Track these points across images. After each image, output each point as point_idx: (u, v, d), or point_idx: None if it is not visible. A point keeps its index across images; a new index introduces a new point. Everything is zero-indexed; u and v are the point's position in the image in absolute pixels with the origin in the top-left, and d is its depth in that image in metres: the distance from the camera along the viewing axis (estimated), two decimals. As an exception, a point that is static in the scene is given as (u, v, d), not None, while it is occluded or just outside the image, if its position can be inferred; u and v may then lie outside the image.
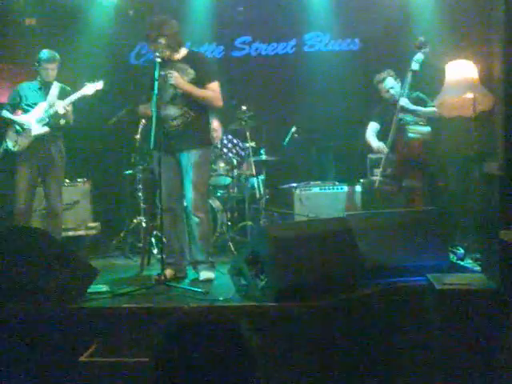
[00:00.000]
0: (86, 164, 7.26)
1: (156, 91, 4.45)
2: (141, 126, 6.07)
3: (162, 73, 4.60)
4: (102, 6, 7.13)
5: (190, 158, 4.69)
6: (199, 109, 4.74)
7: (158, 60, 4.52)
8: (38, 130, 5.50)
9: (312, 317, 3.62)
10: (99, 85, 5.56)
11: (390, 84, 5.82)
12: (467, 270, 4.59)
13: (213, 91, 4.71)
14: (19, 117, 5.58)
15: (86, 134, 7.24)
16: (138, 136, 6.09)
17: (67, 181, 6.82)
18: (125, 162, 6.60)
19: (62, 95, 5.60)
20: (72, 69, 6.58)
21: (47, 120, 5.51)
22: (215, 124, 6.86)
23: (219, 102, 4.78)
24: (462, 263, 4.81)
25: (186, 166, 4.71)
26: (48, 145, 5.57)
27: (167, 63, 4.66)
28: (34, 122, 5.50)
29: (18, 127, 5.51)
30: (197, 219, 4.70)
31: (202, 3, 7.23)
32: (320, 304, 3.68)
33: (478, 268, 4.49)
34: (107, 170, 7.32)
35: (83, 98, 5.56)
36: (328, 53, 7.60)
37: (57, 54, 5.63)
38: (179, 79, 4.58)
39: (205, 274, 4.64)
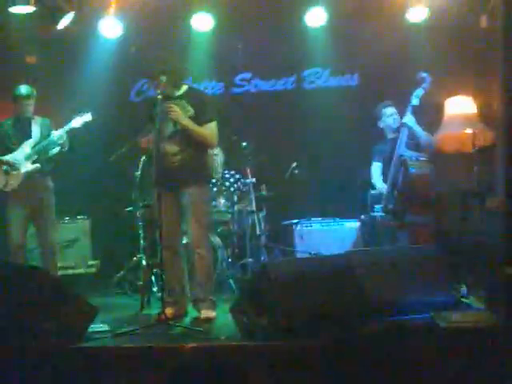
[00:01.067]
0: (86, 201, 7.26)
1: (157, 127, 4.47)
2: (141, 163, 6.07)
3: (165, 105, 4.63)
4: (104, 44, 7.17)
5: (190, 195, 4.70)
6: (198, 145, 4.77)
7: (160, 97, 4.55)
8: (27, 167, 5.50)
9: (314, 355, 3.58)
10: (87, 117, 5.60)
11: (392, 111, 5.86)
12: (471, 307, 4.55)
13: (210, 130, 4.75)
14: (6, 156, 5.55)
15: (85, 170, 7.27)
16: (138, 173, 6.08)
17: (67, 218, 6.82)
18: (125, 198, 6.59)
19: (44, 128, 5.64)
20: (72, 105, 6.62)
21: (35, 156, 5.51)
22: (216, 150, 6.89)
23: (214, 142, 4.85)
24: (466, 300, 4.77)
25: (186, 203, 4.71)
26: (36, 184, 5.57)
27: (168, 99, 4.69)
28: (22, 159, 5.50)
29: (5, 167, 5.51)
30: (198, 256, 4.67)
31: (201, 40, 7.29)
32: (322, 342, 3.63)
33: (483, 305, 4.45)
34: (107, 207, 7.30)
35: (78, 133, 5.60)
36: (327, 88, 7.66)
37: (33, 89, 5.67)
38: (179, 113, 4.60)
39: (206, 313, 4.59)
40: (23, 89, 5.61)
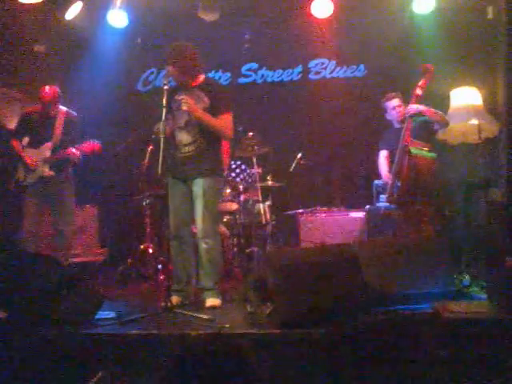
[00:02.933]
0: (94, 189, 7.31)
1: (163, 118, 4.47)
2: (148, 152, 6.12)
3: (178, 98, 4.65)
4: (111, 34, 7.19)
5: (201, 186, 4.68)
6: (212, 137, 4.75)
7: (166, 87, 4.55)
8: (44, 171, 5.58)
9: (317, 344, 3.61)
10: (96, 145, 5.68)
11: (395, 104, 5.85)
12: (473, 297, 4.57)
13: (225, 122, 4.72)
14: (27, 152, 5.62)
15: (93, 159, 7.32)
16: (145, 162, 6.13)
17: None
18: (132, 187, 6.64)
19: (67, 127, 5.69)
20: (79, 95, 6.66)
21: (53, 162, 5.60)
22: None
23: (230, 134, 4.80)
24: (468, 291, 4.79)
25: (197, 193, 4.70)
26: (56, 177, 5.63)
27: (184, 89, 4.70)
28: (41, 162, 5.58)
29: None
30: (206, 245, 4.68)
31: (208, 30, 7.30)
32: (325, 331, 3.66)
33: (484, 295, 4.47)
34: (114, 195, 7.36)
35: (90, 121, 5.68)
36: (333, 79, 7.67)
37: (57, 89, 5.71)
38: (192, 105, 4.60)
39: (211, 301, 4.63)
40: (47, 90, 5.65)
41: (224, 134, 4.79)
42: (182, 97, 4.62)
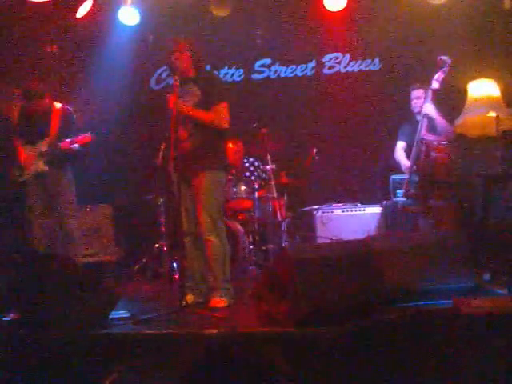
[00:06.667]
0: (108, 189, 7.30)
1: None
2: (161, 150, 6.08)
3: (168, 95, 4.59)
4: (122, 31, 7.18)
5: (199, 181, 4.62)
6: (208, 131, 4.66)
7: (177, 83, 4.51)
8: (39, 166, 5.53)
9: (335, 342, 3.56)
10: (86, 138, 5.57)
11: (416, 95, 5.82)
12: (494, 292, 4.50)
13: (217, 113, 4.62)
14: (25, 149, 5.59)
15: (106, 158, 7.31)
16: (158, 160, 6.10)
17: (89, 206, 6.86)
18: (146, 186, 6.62)
19: (65, 120, 5.63)
20: (91, 93, 6.65)
21: (49, 157, 5.53)
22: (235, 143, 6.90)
23: (224, 124, 4.67)
24: (489, 286, 4.72)
25: (196, 189, 4.64)
26: (54, 172, 5.58)
27: (181, 81, 4.59)
28: (37, 157, 5.54)
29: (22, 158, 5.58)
30: (208, 243, 4.60)
31: (221, 26, 7.26)
32: (343, 329, 3.61)
33: (506, 290, 4.39)
34: (129, 194, 7.35)
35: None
36: (348, 73, 7.60)
37: (44, 86, 5.65)
38: (178, 103, 4.50)
39: (213, 302, 4.52)
40: (32, 89, 5.59)
41: (217, 125, 4.66)
42: (168, 95, 4.55)
